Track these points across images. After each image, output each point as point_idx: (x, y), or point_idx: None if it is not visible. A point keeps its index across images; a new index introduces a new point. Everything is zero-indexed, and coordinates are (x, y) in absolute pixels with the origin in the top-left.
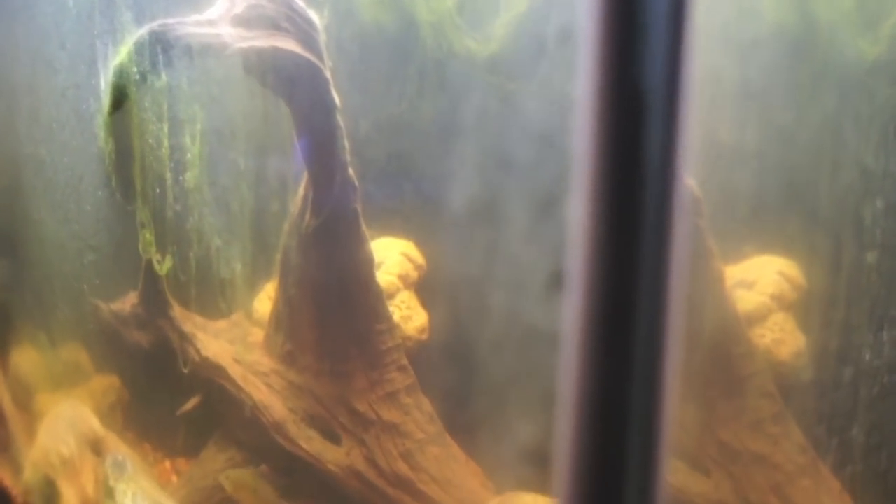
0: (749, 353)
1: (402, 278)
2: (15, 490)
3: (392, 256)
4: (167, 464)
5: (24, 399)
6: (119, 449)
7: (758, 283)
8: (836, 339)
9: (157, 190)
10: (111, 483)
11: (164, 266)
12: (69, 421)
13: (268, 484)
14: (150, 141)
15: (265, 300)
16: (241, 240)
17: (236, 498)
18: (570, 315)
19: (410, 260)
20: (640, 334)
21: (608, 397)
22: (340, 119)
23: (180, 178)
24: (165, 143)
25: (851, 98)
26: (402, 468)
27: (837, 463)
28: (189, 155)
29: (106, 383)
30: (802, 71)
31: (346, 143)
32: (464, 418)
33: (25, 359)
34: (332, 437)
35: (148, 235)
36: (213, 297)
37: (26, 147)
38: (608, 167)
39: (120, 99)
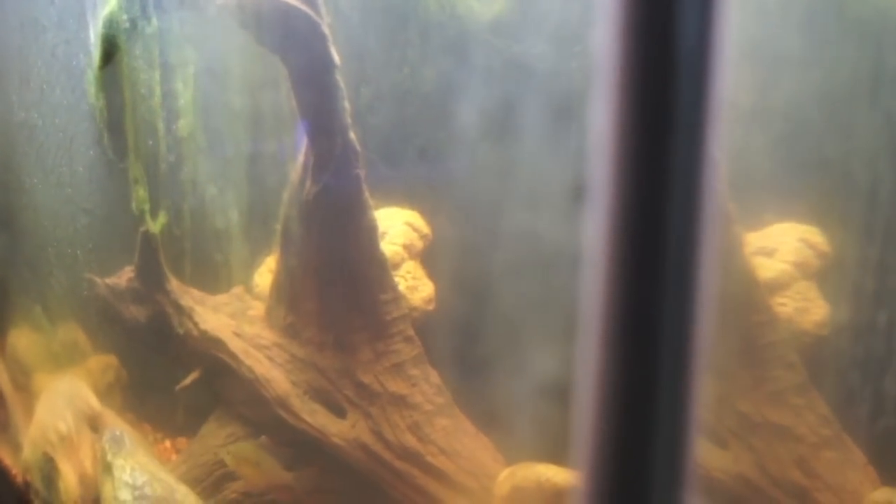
0: (770, 321)
1: (407, 248)
2: (14, 469)
3: (396, 226)
4: (167, 443)
5: (23, 379)
6: (117, 425)
7: (779, 251)
8: (863, 309)
9: (150, 142)
10: (109, 458)
11: (157, 222)
12: (66, 397)
13: (270, 456)
14: (142, 91)
15: (266, 274)
16: (237, 187)
17: (238, 472)
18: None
19: (415, 229)
20: (671, 260)
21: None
22: (340, 79)
23: (173, 126)
24: (157, 91)
25: (882, 55)
26: (410, 440)
27: (862, 436)
28: (182, 101)
29: (104, 363)
30: (829, 28)
31: (347, 105)
32: (472, 391)
33: (23, 338)
34: (337, 410)
35: (141, 191)
36: (210, 263)
37: (18, 114)
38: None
39: (110, 51)
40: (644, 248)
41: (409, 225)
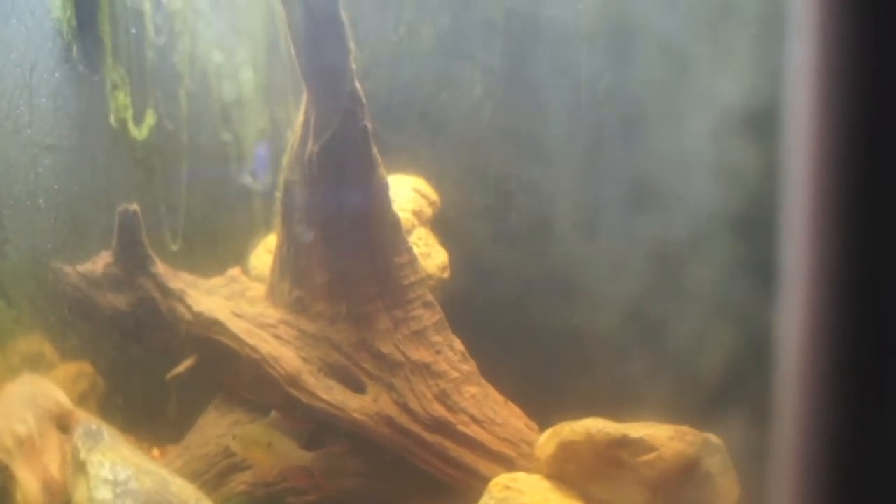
0: (411, 262)
1: (417, 214)
2: None
3: (403, 192)
4: (155, 452)
5: None
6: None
7: (396, 200)
8: (475, 253)
9: (134, 30)
10: (82, 456)
11: (143, 128)
12: (26, 397)
13: (284, 435)
14: None
15: (263, 254)
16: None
17: (248, 458)
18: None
19: (423, 195)
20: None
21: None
22: (344, 14)
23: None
24: None
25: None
26: (439, 410)
27: (493, 375)
28: None
29: (75, 370)
30: None
31: (353, 47)
32: (497, 360)
33: None
34: (356, 385)
35: (121, 97)
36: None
37: None
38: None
39: None
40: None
41: (417, 191)
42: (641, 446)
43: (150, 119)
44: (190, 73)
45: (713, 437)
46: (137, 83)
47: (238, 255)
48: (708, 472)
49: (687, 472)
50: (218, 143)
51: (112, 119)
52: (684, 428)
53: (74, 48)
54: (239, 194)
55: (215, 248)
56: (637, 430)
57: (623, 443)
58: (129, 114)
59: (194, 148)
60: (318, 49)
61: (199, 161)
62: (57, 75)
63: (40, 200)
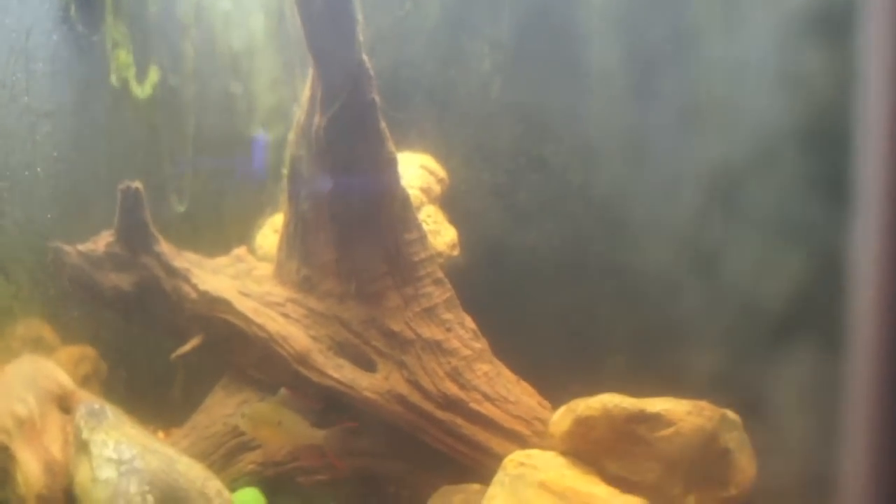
0: (420, 238)
1: (426, 191)
2: None
3: (411, 170)
4: (160, 434)
5: None
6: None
7: (405, 177)
8: (484, 230)
9: None
10: (85, 436)
11: (145, 86)
12: (27, 377)
13: (295, 414)
14: None
15: (269, 234)
16: None
17: (257, 437)
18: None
19: (431, 173)
20: None
21: None
22: None
23: None
24: None
25: None
26: (451, 388)
27: (503, 353)
28: None
29: (77, 354)
30: None
31: (361, 18)
32: (506, 339)
33: None
34: (366, 363)
35: (122, 55)
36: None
37: None
38: None
39: None
40: None
41: (425, 168)
42: (659, 421)
43: (153, 76)
44: (196, 24)
45: (731, 413)
46: (139, 39)
47: (245, 228)
48: (726, 448)
49: (705, 448)
50: (227, 97)
51: (113, 79)
52: (702, 403)
53: (72, 7)
54: (247, 147)
55: (224, 211)
56: (654, 404)
57: (640, 417)
58: (132, 72)
59: (201, 103)
60: (326, 20)
61: (206, 117)
62: (54, 37)
63: (39, 170)
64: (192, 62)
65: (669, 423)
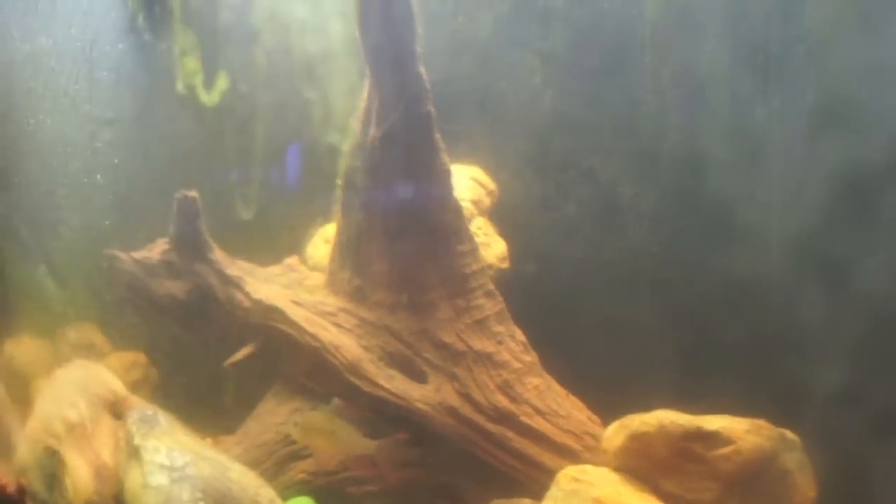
0: (472, 250)
1: (476, 204)
2: (5, 479)
3: (462, 182)
4: (209, 442)
5: (20, 391)
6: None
7: (456, 189)
8: (533, 242)
9: None
10: (137, 441)
11: (213, 93)
12: (79, 383)
13: (347, 423)
14: None
15: (320, 245)
16: None
17: (309, 446)
18: None
19: (482, 185)
20: None
21: None
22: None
23: None
24: None
25: None
26: (502, 401)
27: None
28: None
29: (129, 359)
30: None
31: (419, 30)
32: (554, 353)
33: (21, 348)
34: (417, 375)
35: (190, 63)
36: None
37: (20, 51)
38: None
39: None
40: None
41: (475, 180)
42: (717, 439)
43: (221, 83)
44: (269, 29)
45: (790, 433)
46: (208, 46)
47: (296, 237)
48: (785, 469)
49: (764, 468)
50: (300, 103)
51: (180, 86)
52: (760, 421)
53: (140, 17)
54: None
55: (275, 220)
56: (711, 422)
57: (697, 435)
58: (199, 79)
59: (268, 110)
60: (386, 33)
61: (276, 123)
62: (120, 46)
63: (98, 177)
64: (262, 69)
65: (728, 442)
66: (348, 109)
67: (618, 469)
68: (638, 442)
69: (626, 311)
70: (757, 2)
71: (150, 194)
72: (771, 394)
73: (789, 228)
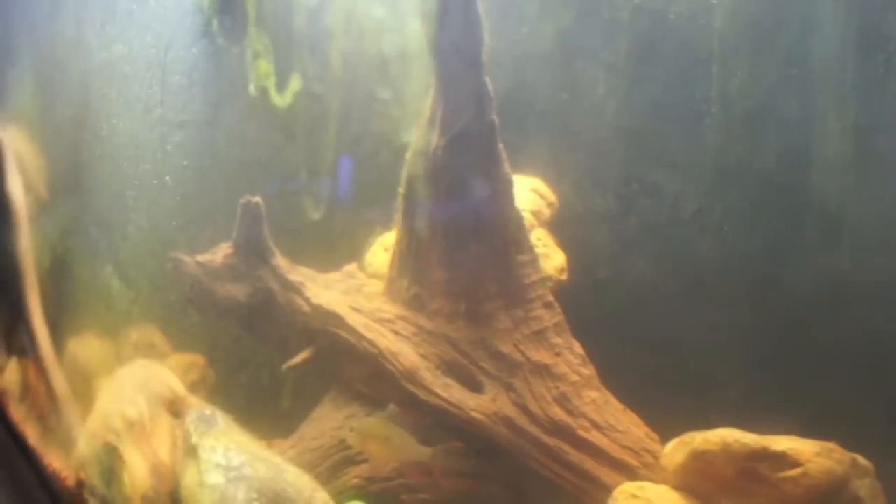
0: (532, 260)
1: (536, 214)
2: (65, 472)
3: (522, 193)
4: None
5: (82, 388)
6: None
7: (517, 200)
8: (593, 256)
9: None
10: (194, 440)
11: (286, 94)
12: (139, 381)
13: (403, 430)
14: None
15: (379, 252)
16: None
17: (364, 451)
18: None
19: (542, 196)
20: None
21: None
22: (481, 6)
23: None
24: None
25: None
26: (558, 413)
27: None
28: None
29: (187, 361)
30: None
31: (486, 38)
32: (613, 367)
33: (84, 346)
34: (473, 384)
35: (263, 65)
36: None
37: (96, 58)
38: None
39: None
40: None
41: (535, 192)
42: (784, 461)
43: (294, 84)
44: (346, 31)
45: (862, 459)
46: (282, 49)
47: (355, 245)
48: (856, 496)
49: (833, 493)
50: (374, 104)
51: (252, 88)
52: (830, 444)
53: (215, 22)
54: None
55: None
56: (779, 442)
57: (763, 455)
58: (272, 81)
59: (345, 111)
60: (454, 43)
61: (349, 124)
62: (193, 51)
63: (167, 178)
64: (336, 70)
65: (795, 464)
66: (420, 113)
67: (678, 487)
68: (699, 460)
69: (686, 326)
70: (828, 13)
71: (218, 196)
72: (836, 413)
73: (865, 241)
